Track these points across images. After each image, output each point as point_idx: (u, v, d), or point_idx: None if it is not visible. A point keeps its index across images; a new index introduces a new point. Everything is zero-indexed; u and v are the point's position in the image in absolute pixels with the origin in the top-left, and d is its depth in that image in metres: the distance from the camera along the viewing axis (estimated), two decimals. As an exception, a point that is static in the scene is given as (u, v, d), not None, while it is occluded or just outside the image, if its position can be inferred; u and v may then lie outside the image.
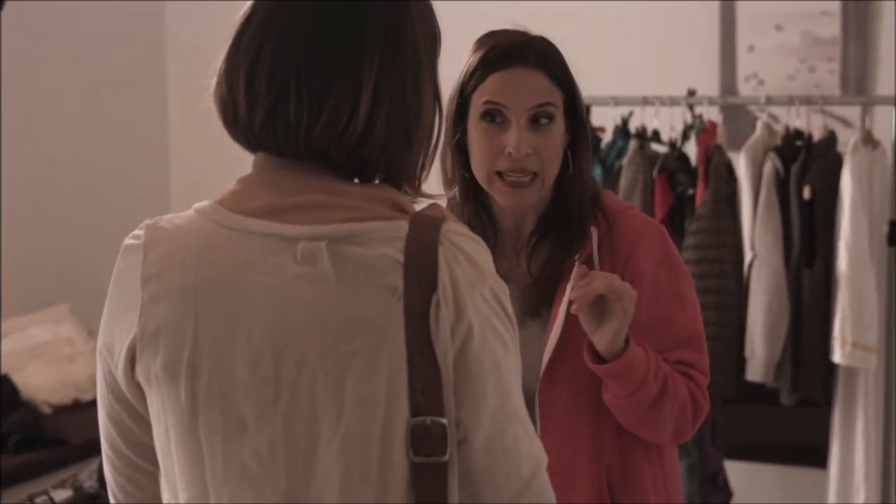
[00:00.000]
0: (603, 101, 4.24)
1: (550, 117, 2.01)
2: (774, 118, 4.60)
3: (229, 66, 1.39)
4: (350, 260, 1.32)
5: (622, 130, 4.29)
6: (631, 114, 4.32)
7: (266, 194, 1.38)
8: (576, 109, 2.05)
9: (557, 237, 2.07)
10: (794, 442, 4.62)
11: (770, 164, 4.03)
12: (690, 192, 4.08)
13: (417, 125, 1.41)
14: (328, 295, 1.32)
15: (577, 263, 1.99)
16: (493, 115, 2.01)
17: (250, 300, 1.34)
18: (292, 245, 1.34)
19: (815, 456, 4.24)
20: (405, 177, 1.43)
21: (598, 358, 1.94)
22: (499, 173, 2.02)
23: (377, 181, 1.42)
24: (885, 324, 4.00)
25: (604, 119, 4.37)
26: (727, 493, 4.19)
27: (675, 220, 4.12)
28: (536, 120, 2.00)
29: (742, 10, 5.17)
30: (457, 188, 2.12)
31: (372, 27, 1.36)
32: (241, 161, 1.55)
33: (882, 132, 4.09)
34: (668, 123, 4.26)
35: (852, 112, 4.71)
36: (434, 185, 1.53)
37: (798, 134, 4.11)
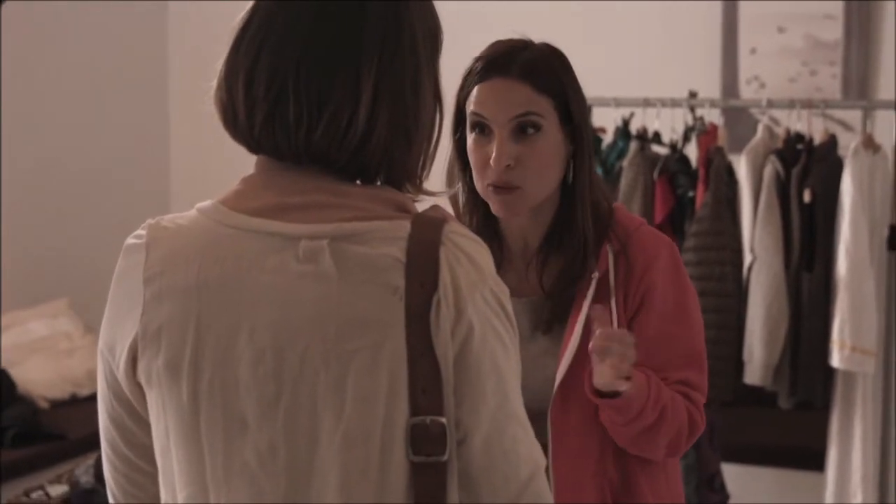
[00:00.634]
0: (604, 102, 4.24)
1: (536, 127, 2.00)
2: (775, 121, 4.60)
3: (229, 69, 1.39)
4: (352, 259, 1.32)
5: (623, 132, 4.29)
6: (632, 115, 4.32)
7: (268, 194, 1.38)
8: (572, 118, 2.04)
9: (568, 251, 2.06)
10: (792, 445, 4.62)
11: (771, 167, 4.03)
12: (691, 194, 4.08)
13: (417, 125, 1.41)
14: (330, 293, 1.32)
15: (593, 281, 2.01)
16: (480, 127, 2.02)
17: (252, 299, 1.34)
18: (295, 244, 1.34)
19: (813, 459, 4.24)
20: (406, 176, 1.43)
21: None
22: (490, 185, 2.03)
23: (378, 182, 1.42)
24: (885, 328, 4.00)
25: (605, 120, 4.37)
26: (724, 496, 4.19)
27: (676, 222, 4.12)
28: (523, 130, 2.00)
29: (744, 12, 5.17)
30: (463, 199, 2.13)
31: (370, 28, 1.36)
32: (242, 159, 1.55)
33: (883, 136, 4.09)
34: (669, 125, 4.26)
35: (853, 116, 4.71)
36: (435, 183, 1.52)
37: (799, 137, 4.12)
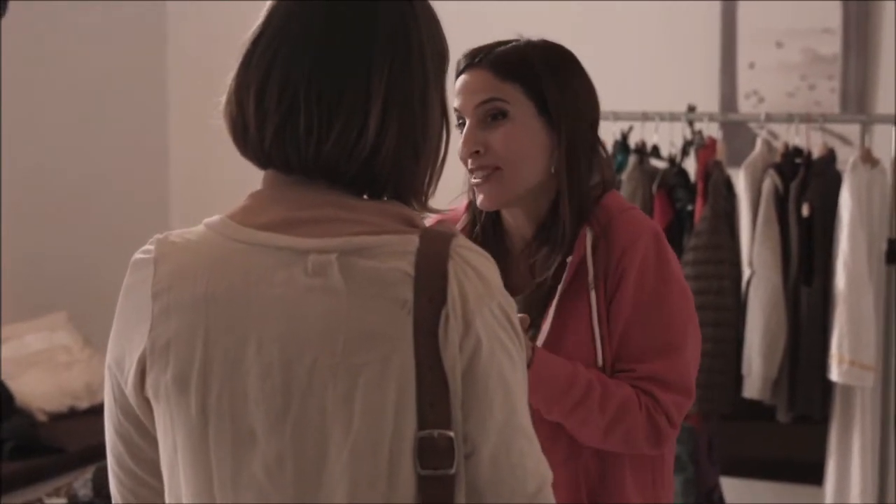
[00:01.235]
0: (603, 116, 4.22)
1: (502, 113, 2.01)
2: (774, 135, 4.61)
3: (239, 83, 1.40)
4: (360, 272, 1.33)
5: (622, 145, 4.30)
6: (631, 129, 4.33)
7: (277, 209, 1.39)
8: (548, 108, 2.03)
9: (553, 241, 2.06)
10: (791, 458, 4.63)
11: (769, 181, 4.03)
12: (689, 207, 4.09)
13: (425, 138, 1.42)
14: (339, 307, 1.32)
15: (568, 267, 2.01)
16: (461, 121, 2.06)
17: (261, 313, 1.35)
18: (303, 258, 1.35)
19: (812, 473, 4.24)
20: (413, 192, 1.44)
21: None
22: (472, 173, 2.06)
23: (386, 197, 1.43)
24: (883, 342, 4.00)
25: (603, 134, 4.36)
26: (723, 510, 4.20)
27: (674, 235, 4.11)
28: (491, 118, 2.02)
29: (743, 26, 5.18)
30: (469, 201, 2.16)
31: (381, 42, 1.38)
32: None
33: (881, 150, 4.10)
34: (667, 139, 4.27)
35: (852, 130, 4.71)
36: (440, 201, 1.53)
37: (797, 151, 4.12)
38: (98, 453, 3.66)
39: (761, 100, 5.15)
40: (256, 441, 1.35)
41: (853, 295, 3.88)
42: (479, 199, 2.06)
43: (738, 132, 4.92)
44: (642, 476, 2.08)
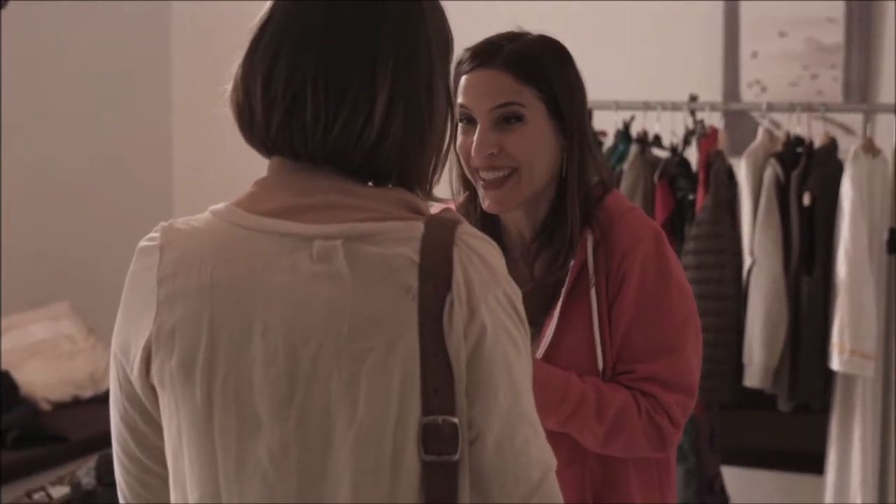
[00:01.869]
0: (605, 106, 4.25)
1: (518, 117, 1.99)
2: (776, 124, 4.61)
3: (246, 71, 1.40)
4: (365, 258, 1.34)
5: (623, 135, 4.30)
6: (633, 118, 4.33)
7: (282, 195, 1.40)
8: (560, 111, 2.03)
9: (558, 243, 2.05)
10: (792, 448, 4.63)
11: (770, 171, 4.03)
12: (691, 197, 4.08)
13: (431, 126, 1.42)
14: (343, 293, 1.33)
15: (570, 271, 2.00)
16: (467, 118, 2.03)
17: (266, 299, 1.35)
18: (308, 244, 1.35)
19: (813, 462, 4.24)
20: (417, 180, 1.44)
21: None
22: (478, 171, 2.03)
23: (391, 185, 1.43)
24: (884, 331, 4.00)
25: (605, 123, 4.38)
26: (724, 499, 4.20)
27: (676, 225, 4.12)
28: (506, 120, 2.00)
29: (745, 16, 5.17)
30: (464, 195, 2.14)
31: (387, 30, 1.38)
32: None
33: (883, 140, 4.09)
34: (669, 128, 4.27)
35: (855, 119, 4.71)
36: (444, 191, 1.54)
37: (799, 141, 4.12)
38: (101, 442, 3.67)
39: (764, 89, 5.15)
40: (261, 427, 1.35)
41: (854, 284, 3.88)
42: (488, 202, 2.03)
43: (740, 122, 4.92)
44: (647, 478, 2.08)
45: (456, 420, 1.33)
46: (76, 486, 4.16)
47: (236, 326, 1.35)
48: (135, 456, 1.48)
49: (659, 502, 2.09)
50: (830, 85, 5.05)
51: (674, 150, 4.22)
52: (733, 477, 4.44)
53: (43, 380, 5.01)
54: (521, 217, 2.09)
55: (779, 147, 4.12)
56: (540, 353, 2.00)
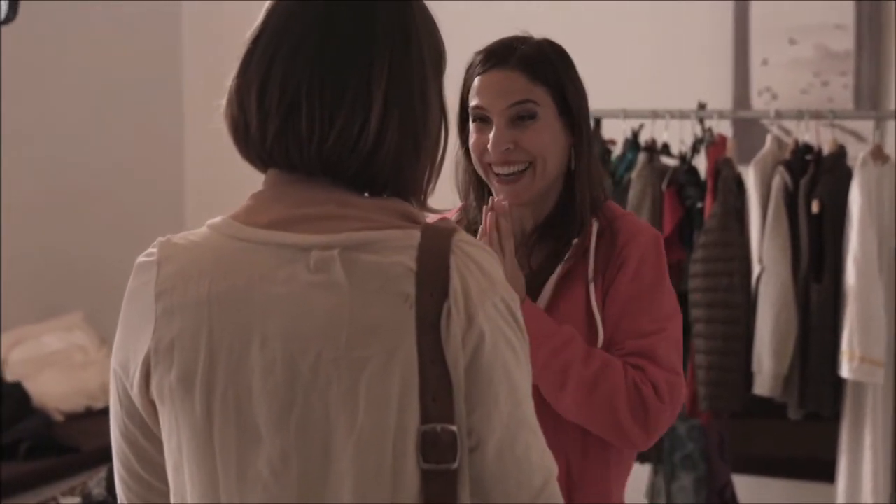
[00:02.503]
0: (613, 114, 4.25)
1: (532, 115, 2.09)
2: (787, 132, 4.60)
3: (240, 84, 1.41)
4: (363, 267, 1.34)
5: (632, 143, 4.30)
6: (641, 126, 4.33)
7: (279, 207, 1.40)
8: (570, 109, 2.11)
9: (559, 234, 2.12)
10: (802, 456, 4.61)
11: (779, 178, 4.02)
12: (699, 205, 4.08)
13: (426, 135, 1.43)
14: (341, 302, 1.33)
15: (571, 247, 2.08)
16: (481, 118, 2.11)
17: (264, 310, 1.35)
18: (305, 254, 1.36)
19: (823, 470, 4.23)
20: (412, 189, 1.45)
21: None
22: (491, 167, 2.11)
23: (386, 195, 1.44)
24: (894, 338, 3.98)
25: (614, 132, 4.38)
26: (735, 507, 4.19)
27: (684, 233, 4.12)
28: (520, 118, 2.08)
29: (755, 23, 5.16)
30: (471, 195, 2.21)
31: (380, 37, 1.39)
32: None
33: (894, 147, 4.08)
34: (678, 137, 4.27)
35: (866, 126, 4.69)
36: (438, 201, 1.54)
37: (807, 148, 4.11)
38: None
39: (774, 96, 5.14)
40: (261, 439, 1.35)
41: (863, 291, 3.87)
42: (503, 195, 2.11)
43: (750, 129, 4.91)
44: (609, 473, 2.09)
45: (454, 428, 1.33)
46: (87, 496, 4.18)
47: (235, 338, 1.36)
48: (136, 472, 1.48)
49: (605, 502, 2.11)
50: (841, 92, 5.03)
51: (682, 158, 4.22)
52: (744, 485, 4.43)
53: (56, 390, 5.02)
54: (526, 213, 2.16)
55: (787, 154, 4.11)
56: None
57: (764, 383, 4.01)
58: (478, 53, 2.13)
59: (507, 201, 2.09)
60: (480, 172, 2.14)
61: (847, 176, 3.99)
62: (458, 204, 2.25)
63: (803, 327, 4.01)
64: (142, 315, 1.40)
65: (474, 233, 2.12)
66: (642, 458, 4.29)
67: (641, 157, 4.18)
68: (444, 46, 1.48)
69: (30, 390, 4.94)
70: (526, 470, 1.35)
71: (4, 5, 2.73)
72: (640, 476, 4.44)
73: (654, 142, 4.24)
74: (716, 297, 3.93)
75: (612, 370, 2.00)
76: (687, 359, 4.08)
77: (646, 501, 4.33)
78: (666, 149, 4.26)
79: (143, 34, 5.99)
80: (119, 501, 1.52)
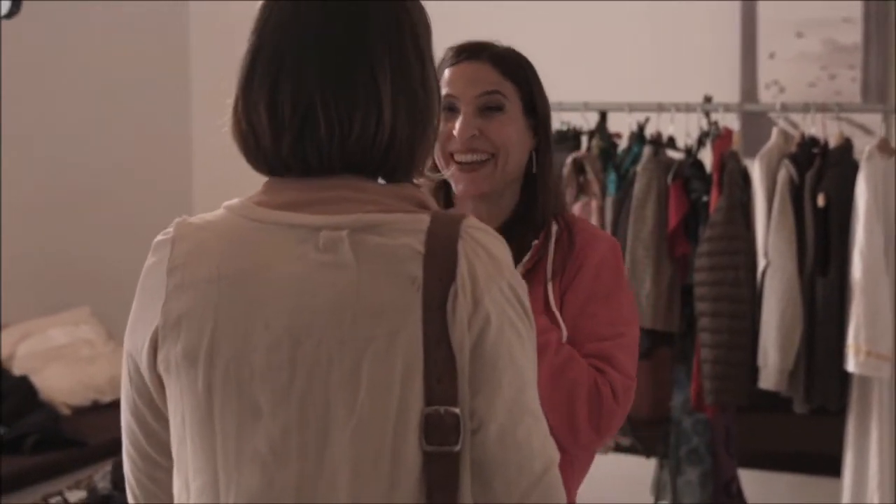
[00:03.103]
0: (618, 108, 4.24)
1: (499, 106, 2.11)
2: (794, 125, 4.58)
3: (246, 101, 1.43)
4: (371, 248, 1.36)
5: (638, 136, 4.29)
6: (647, 120, 4.32)
7: (293, 191, 1.43)
8: (535, 109, 2.14)
9: (519, 237, 2.11)
10: (808, 450, 4.60)
11: (784, 172, 4.02)
12: (705, 198, 4.07)
13: (430, 119, 1.46)
14: (348, 281, 1.35)
15: (531, 249, 2.09)
16: (449, 107, 2.12)
17: (272, 288, 1.38)
18: (315, 234, 1.38)
19: (829, 464, 4.21)
20: (416, 170, 1.48)
21: None
22: (453, 157, 2.11)
23: (398, 179, 1.46)
24: (900, 333, 3.97)
25: (620, 125, 4.37)
26: (741, 502, 4.18)
27: (690, 226, 4.11)
28: (488, 109, 2.11)
29: (762, 16, 5.15)
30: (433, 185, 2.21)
31: (376, 34, 1.41)
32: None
33: (901, 140, 4.07)
34: (683, 130, 4.26)
35: (874, 119, 4.67)
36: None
37: (814, 141, 4.10)
38: (119, 447, 3.67)
39: (782, 90, 5.12)
40: (261, 416, 1.37)
41: (870, 285, 3.86)
42: (462, 186, 2.12)
43: (757, 122, 4.89)
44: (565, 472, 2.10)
45: (458, 411, 1.34)
46: (92, 490, 4.18)
47: (241, 315, 1.38)
48: (144, 451, 1.50)
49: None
50: (849, 85, 5.01)
51: (688, 151, 4.21)
52: (750, 479, 4.42)
53: (62, 384, 5.03)
54: (485, 212, 2.15)
55: (793, 148, 4.10)
56: None
57: (769, 377, 4.01)
58: (450, 49, 2.16)
59: (466, 192, 2.11)
60: (440, 163, 2.14)
61: (853, 169, 3.98)
62: None
63: (809, 321, 4.00)
64: (154, 291, 1.43)
65: None
66: (648, 452, 4.29)
67: (647, 150, 4.18)
68: (428, 18, 1.50)
69: (37, 384, 4.94)
70: (527, 455, 1.36)
71: (6, 3, 2.74)
72: (645, 471, 4.44)
73: (659, 135, 4.23)
74: (721, 291, 3.93)
75: (578, 363, 2.00)
76: (692, 352, 4.08)
77: (651, 496, 4.33)
78: (672, 142, 4.26)
79: (149, 33, 5.99)
80: (126, 480, 1.54)
